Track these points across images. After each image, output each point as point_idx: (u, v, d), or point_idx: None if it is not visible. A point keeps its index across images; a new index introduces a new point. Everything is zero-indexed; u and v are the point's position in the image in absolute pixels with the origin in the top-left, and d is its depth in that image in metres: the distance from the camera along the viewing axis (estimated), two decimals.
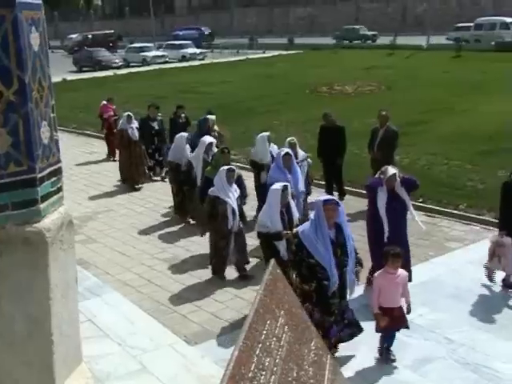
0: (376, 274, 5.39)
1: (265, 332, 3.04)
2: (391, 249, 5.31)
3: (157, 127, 12.47)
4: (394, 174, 6.39)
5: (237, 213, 7.37)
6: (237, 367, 2.59)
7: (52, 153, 3.72)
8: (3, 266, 3.36)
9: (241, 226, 7.55)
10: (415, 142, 13.41)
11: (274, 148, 9.21)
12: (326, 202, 5.18)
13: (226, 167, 7.50)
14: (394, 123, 10.09)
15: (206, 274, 7.77)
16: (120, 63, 38.71)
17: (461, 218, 9.25)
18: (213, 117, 10.99)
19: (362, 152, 10.06)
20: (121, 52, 43.94)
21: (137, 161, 12.02)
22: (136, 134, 11.94)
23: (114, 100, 15.27)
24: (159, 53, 41.38)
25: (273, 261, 4.01)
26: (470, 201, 9.73)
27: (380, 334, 5.49)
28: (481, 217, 9.15)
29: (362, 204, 8.92)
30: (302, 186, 7.98)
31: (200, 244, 8.78)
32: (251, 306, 3.17)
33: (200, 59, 39.95)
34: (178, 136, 9.98)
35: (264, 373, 2.80)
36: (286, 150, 8.01)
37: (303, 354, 3.39)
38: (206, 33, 51.85)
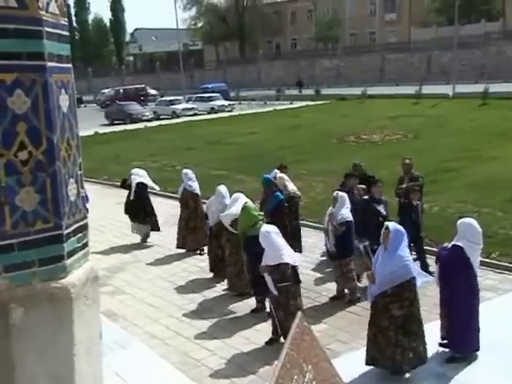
0: None
1: None
2: None
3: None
4: None
5: None
6: None
7: (78, 209, 3.80)
8: (28, 322, 3.39)
9: None
10: (444, 189, 13.28)
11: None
12: None
13: None
14: (422, 171, 10.07)
15: (233, 325, 7.71)
16: (150, 116, 39.56)
17: (494, 267, 9.04)
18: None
19: (392, 200, 10.05)
20: (151, 105, 45.06)
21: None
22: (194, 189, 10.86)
23: (287, 168, 11.13)
24: (189, 105, 42.22)
25: (299, 313, 3.94)
26: (502, 249, 9.53)
27: None
28: None
29: None
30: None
31: (228, 294, 8.75)
32: (278, 361, 3.11)
33: (228, 111, 40.68)
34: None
35: None
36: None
37: None
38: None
